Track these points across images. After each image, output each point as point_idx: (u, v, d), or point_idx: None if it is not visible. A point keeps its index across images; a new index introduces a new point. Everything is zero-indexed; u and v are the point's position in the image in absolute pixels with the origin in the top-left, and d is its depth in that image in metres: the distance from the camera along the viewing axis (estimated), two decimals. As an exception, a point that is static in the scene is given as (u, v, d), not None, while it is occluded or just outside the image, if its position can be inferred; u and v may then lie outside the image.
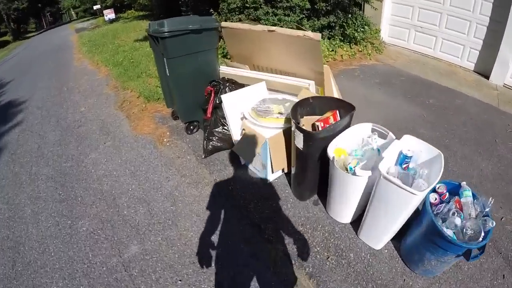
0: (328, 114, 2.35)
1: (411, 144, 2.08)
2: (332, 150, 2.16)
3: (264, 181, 2.75)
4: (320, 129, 2.27)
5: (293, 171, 2.54)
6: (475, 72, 4.69)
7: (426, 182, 1.88)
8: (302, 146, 2.15)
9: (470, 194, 1.89)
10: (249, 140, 2.46)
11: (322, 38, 5.11)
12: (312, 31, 4.91)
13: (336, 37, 5.18)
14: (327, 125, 2.30)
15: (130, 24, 10.26)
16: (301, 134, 2.10)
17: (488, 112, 3.80)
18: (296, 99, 2.72)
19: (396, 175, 2.05)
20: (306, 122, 2.34)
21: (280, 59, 2.99)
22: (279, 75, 3.01)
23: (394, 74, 4.63)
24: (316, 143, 2.15)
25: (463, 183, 1.97)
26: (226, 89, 2.94)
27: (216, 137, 2.98)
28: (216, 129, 2.96)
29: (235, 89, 2.95)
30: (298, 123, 2.24)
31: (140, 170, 3.02)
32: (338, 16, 4.82)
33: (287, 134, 2.45)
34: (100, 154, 3.32)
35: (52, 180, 3.07)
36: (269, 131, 2.41)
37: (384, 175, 1.80)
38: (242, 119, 2.71)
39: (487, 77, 4.50)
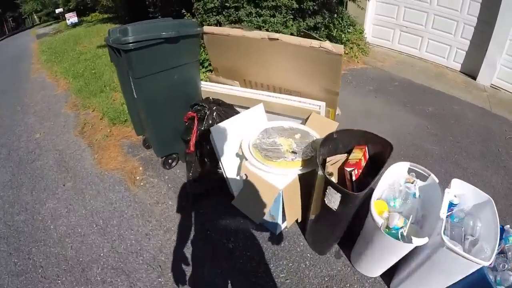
0: (358, 153, 1.67)
1: (457, 188, 1.66)
2: (374, 206, 1.52)
3: (272, 233, 2.05)
4: (354, 177, 1.60)
5: (312, 222, 1.86)
6: (461, 72, 4.24)
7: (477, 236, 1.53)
8: (336, 207, 1.47)
9: (516, 239, 1.57)
10: (255, 192, 1.71)
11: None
12: (297, 32, 4.20)
13: (322, 39, 4.49)
14: (360, 170, 1.64)
15: (94, 28, 8.75)
16: (339, 195, 1.41)
17: (484, 117, 3.38)
18: (305, 128, 2.01)
19: (446, 229, 1.55)
20: (333, 168, 1.66)
21: (283, 75, 2.24)
22: (280, 95, 2.26)
23: (387, 79, 4.04)
24: (355, 203, 1.49)
25: (507, 227, 1.68)
26: (214, 114, 2.16)
27: (205, 178, 2.20)
28: (204, 168, 2.16)
29: (224, 114, 2.17)
30: (325, 170, 1.55)
31: (111, 225, 2.15)
32: (324, 16, 4.13)
33: (304, 179, 1.75)
34: (59, 202, 2.39)
35: (4, 241, 2.12)
36: (282, 178, 1.70)
37: (448, 246, 1.33)
38: (239, 156, 1.97)
39: (474, 78, 4.07)
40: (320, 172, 1.53)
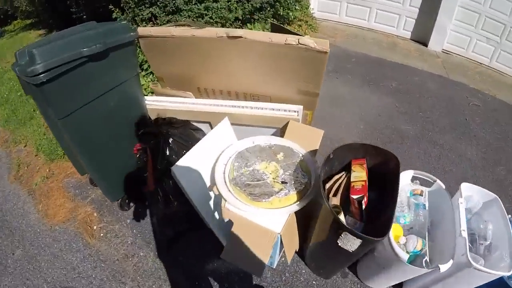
0: (360, 172, 1.30)
1: (464, 191, 1.45)
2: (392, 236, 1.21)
3: (269, 267, 1.68)
4: (363, 205, 1.26)
5: (315, 250, 1.53)
6: (412, 40, 4.05)
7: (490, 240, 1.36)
8: (353, 250, 1.13)
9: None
10: (248, 240, 1.30)
11: (252, 22, 3.85)
12: (243, 15, 3.64)
13: (268, 19, 3.97)
14: (362, 196, 1.29)
15: (17, 38, 6.97)
16: (359, 240, 1.06)
17: (444, 86, 3.25)
18: (286, 142, 1.58)
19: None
20: (336, 199, 1.29)
21: (249, 78, 1.75)
22: (247, 103, 1.77)
23: (343, 56, 3.69)
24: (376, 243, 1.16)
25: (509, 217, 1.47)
26: (170, 140, 1.63)
27: (174, 219, 1.70)
28: (171, 208, 1.64)
29: (181, 137, 1.66)
30: (329, 202, 1.17)
31: (81, 298, 1.62)
32: (270, -6, 3.59)
33: (301, 211, 1.37)
34: (14, 277, 1.74)
35: None
36: (277, 218, 1.30)
37: (476, 267, 1.17)
38: (216, 195, 1.53)
39: (425, 44, 3.92)
40: (325, 205, 1.16)
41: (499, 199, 1.43)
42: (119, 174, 1.74)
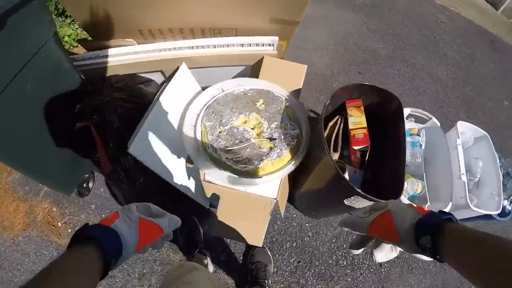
0: (359, 117, 1.07)
1: (459, 129, 1.40)
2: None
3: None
4: (366, 157, 1.06)
5: (307, 197, 1.41)
6: None
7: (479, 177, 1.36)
8: (359, 207, 0.98)
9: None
10: (240, 214, 1.09)
11: None
12: None
13: None
14: (366, 146, 1.08)
15: None
16: (369, 202, 0.89)
17: (412, 0, 2.94)
18: (263, 84, 1.26)
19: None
20: (336, 154, 1.07)
21: (207, 8, 1.28)
22: (207, 41, 1.35)
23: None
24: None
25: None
26: (118, 110, 1.19)
27: (147, 193, 1.40)
28: (137, 185, 1.29)
29: (132, 102, 1.25)
30: (338, 167, 0.94)
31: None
32: None
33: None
34: None
35: None
36: (270, 184, 1.08)
37: (474, 209, 1.20)
38: (189, 164, 1.23)
39: None
40: (327, 160, 0.93)
41: (488, 136, 1.40)
42: (64, 163, 1.32)
